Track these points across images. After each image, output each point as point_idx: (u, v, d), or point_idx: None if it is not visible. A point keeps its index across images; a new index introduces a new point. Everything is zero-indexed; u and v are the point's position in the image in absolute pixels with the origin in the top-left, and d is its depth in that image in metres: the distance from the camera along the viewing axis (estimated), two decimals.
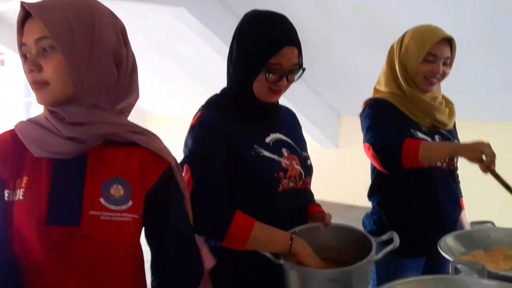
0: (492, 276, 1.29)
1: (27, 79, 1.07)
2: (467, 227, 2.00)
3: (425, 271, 1.95)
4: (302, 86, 5.66)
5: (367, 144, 1.80)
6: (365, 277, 1.41)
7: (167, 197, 1.16)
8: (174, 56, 6.64)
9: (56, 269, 1.06)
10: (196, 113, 1.52)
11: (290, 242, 1.39)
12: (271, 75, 1.42)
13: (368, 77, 4.82)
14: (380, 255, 1.41)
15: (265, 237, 1.41)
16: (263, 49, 1.41)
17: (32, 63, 1.03)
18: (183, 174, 1.41)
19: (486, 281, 1.26)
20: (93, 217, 1.05)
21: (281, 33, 1.44)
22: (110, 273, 1.11)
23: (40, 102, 1.09)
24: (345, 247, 1.51)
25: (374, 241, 1.46)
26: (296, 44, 1.45)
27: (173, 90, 7.74)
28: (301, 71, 1.48)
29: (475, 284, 1.26)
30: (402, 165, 1.72)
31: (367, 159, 1.87)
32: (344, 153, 6.20)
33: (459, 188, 2.07)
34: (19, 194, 1.05)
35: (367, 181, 2.04)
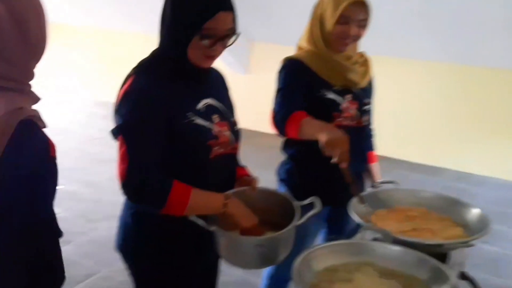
0: (396, 241, 1.50)
1: None
2: (378, 176, 2.21)
3: (329, 218, 2.17)
4: None
5: (271, 111, 1.94)
6: (290, 240, 1.53)
7: None
8: None
9: None
10: (128, 77, 1.49)
11: (223, 207, 1.46)
12: (205, 40, 1.42)
13: (282, 3, 4.91)
14: (303, 219, 1.53)
15: (202, 202, 1.46)
16: (198, 13, 1.40)
17: None
18: (118, 147, 1.43)
19: (392, 246, 1.45)
20: None
21: None
22: None
23: None
24: (271, 208, 1.61)
25: (296, 206, 1.58)
26: (231, 9, 1.45)
27: None
28: (235, 36, 1.48)
29: (381, 248, 1.45)
30: (287, 136, 1.90)
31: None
32: (255, 79, 6.27)
33: (370, 142, 2.25)
34: None
35: None
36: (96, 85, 7.76)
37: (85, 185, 4.58)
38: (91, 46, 7.72)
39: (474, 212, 1.71)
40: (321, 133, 1.69)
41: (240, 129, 1.67)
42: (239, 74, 6.40)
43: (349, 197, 2.10)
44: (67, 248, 3.41)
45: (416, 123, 5.36)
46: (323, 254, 1.43)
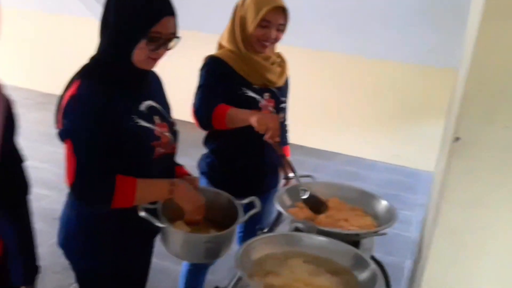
0: (320, 232, 1.68)
1: None
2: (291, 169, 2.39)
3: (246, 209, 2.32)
4: None
5: (192, 107, 2.01)
6: (233, 237, 1.67)
7: None
8: None
9: None
10: (71, 82, 1.52)
11: (170, 192, 1.55)
12: (151, 43, 1.48)
13: None
14: (245, 218, 1.68)
15: (148, 191, 1.54)
16: (144, 18, 1.45)
17: None
18: (66, 150, 1.46)
19: (318, 237, 1.63)
20: None
21: (161, 3, 1.49)
22: None
23: None
24: (212, 206, 1.71)
25: (238, 204, 1.72)
26: (174, 13, 1.51)
27: None
28: (176, 39, 1.55)
29: (309, 239, 1.62)
30: (213, 128, 1.99)
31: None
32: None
33: (285, 137, 2.41)
34: None
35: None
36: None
37: None
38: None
39: (383, 203, 1.94)
40: (251, 115, 1.83)
41: (178, 129, 1.74)
42: None
43: (266, 188, 2.28)
44: None
45: (311, 110, 5.67)
46: (259, 244, 1.56)
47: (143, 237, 1.74)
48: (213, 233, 1.63)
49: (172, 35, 1.53)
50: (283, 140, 2.40)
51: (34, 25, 6.88)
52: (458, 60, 4.25)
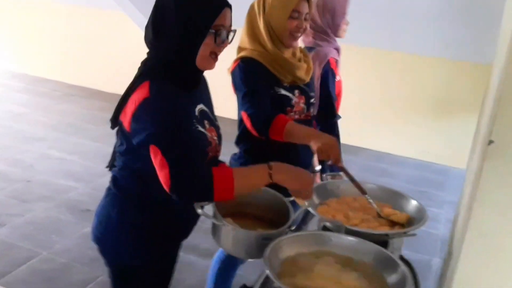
0: (348, 231, 1.68)
1: None
2: (317, 165, 2.40)
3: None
4: None
5: (245, 114, 1.99)
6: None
7: None
8: None
9: None
10: (140, 82, 1.48)
11: (270, 176, 1.50)
12: (217, 37, 1.48)
13: None
14: (296, 215, 1.70)
15: (247, 180, 1.51)
16: (208, 12, 1.46)
17: None
18: (152, 155, 1.43)
19: (347, 237, 1.62)
20: None
21: None
22: None
23: None
24: (258, 203, 1.74)
25: (287, 202, 1.74)
26: (230, 6, 1.52)
27: None
28: (233, 32, 1.55)
29: (338, 238, 1.62)
30: (270, 137, 1.98)
31: None
32: None
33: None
34: None
35: None
36: (11, 56, 7.43)
37: (14, 165, 4.43)
38: (3, 15, 7.34)
39: (413, 203, 1.92)
40: (312, 140, 1.86)
41: (221, 133, 1.73)
42: None
43: None
44: (2, 231, 3.35)
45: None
46: (288, 243, 1.57)
47: (180, 234, 1.77)
48: (271, 230, 1.62)
49: (231, 28, 1.54)
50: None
51: (64, 18, 6.99)
52: (492, 56, 4.20)
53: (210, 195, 1.42)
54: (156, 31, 1.50)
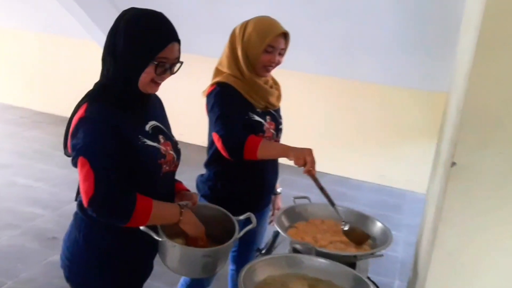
0: (318, 253, 1.72)
1: None
2: (279, 187, 2.45)
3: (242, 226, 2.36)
4: (112, 10, 5.55)
5: (217, 135, 2.03)
6: (229, 251, 1.73)
7: None
8: None
9: None
10: (78, 106, 1.56)
11: (180, 216, 1.62)
12: (158, 68, 1.55)
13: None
14: (241, 233, 1.72)
15: (161, 213, 1.59)
16: (152, 44, 1.53)
17: None
18: (79, 167, 1.48)
19: (319, 259, 1.67)
20: None
21: (168, 30, 1.57)
22: None
23: None
24: (210, 222, 1.75)
25: (235, 220, 1.76)
26: (179, 40, 1.59)
27: None
28: (179, 64, 1.63)
29: (310, 260, 1.66)
30: (243, 158, 2.01)
31: None
32: None
33: None
34: None
35: None
36: None
37: None
38: None
39: (378, 225, 1.99)
40: (288, 150, 1.94)
41: (180, 148, 1.79)
42: None
43: (262, 207, 2.33)
44: None
45: (299, 130, 5.74)
46: (261, 266, 1.60)
47: (146, 258, 1.77)
48: (211, 247, 1.66)
49: (176, 60, 1.61)
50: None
51: (31, 45, 6.89)
52: (445, 84, 4.40)
53: (126, 219, 1.49)
54: (104, 56, 1.59)
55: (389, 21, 4.39)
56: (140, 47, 1.53)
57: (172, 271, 1.69)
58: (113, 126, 1.52)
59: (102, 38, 6.22)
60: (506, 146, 1.25)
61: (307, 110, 5.70)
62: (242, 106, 2.12)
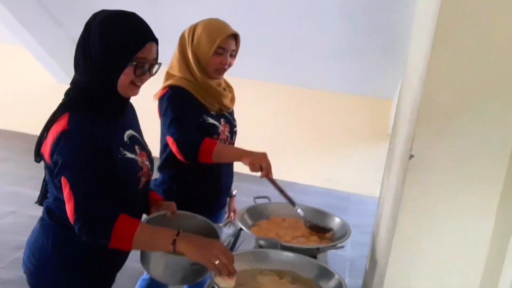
0: (283, 248, 1.80)
1: None
2: (234, 189, 2.50)
3: None
4: (43, 14, 5.42)
5: (171, 139, 2.02)
6: None
7: None
8: None
9: None
10: (60, 114, 1.51)
11: (174, 243, 1.45)
12: (137, 69, 1.52)
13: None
14: (226, 242, 1.76)
15: (149, 239, 1.48)
16: (131, 44, 1.50)
17: None
18: (63, 186, 1.45)
19: (284, 253, 1.75)
20: None
21: (145, 29, 1.55)
22: None
23: None
24: (191, 231, 1.67)
25: (217, 227, 1.77)
26: (156, 40, 1.58)
27: None
28: (158, 65, 1.60)
29: (276, 254, 1.74)
30: (198, 160, 2.01)
31: None
32: None
33: None
34: None
35: None
36: None
37: None
38: None
39: (336, 220, 2.11)
40: (243, 157, 1.95)
41: (153, 157, 1.77)
42: (66, 84, 6.24)
43: (218, 208, 2.36)
44: None
45: (247, 137, 5.82)
46: None
47: (117, 264, 1.75)
48: None
49: (155, 61, 1.58)
50: None
51: None
52: (391, 91, 4.60)
53: (106, 240, 1.44)
54: (77, 59, 1.55)
55: (336, 28, 4.52)
56: (117, 47, 1.48)
57: (156, 279, 1.66)
58: (97, 140, 1.49)
59: (32, 43, 6.04)
60: (457, 140, 1.38)
61: (255, 116, 5.80)
62: (195, 109, 2.12)
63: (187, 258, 1.48)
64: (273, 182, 2.01)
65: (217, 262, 1.42)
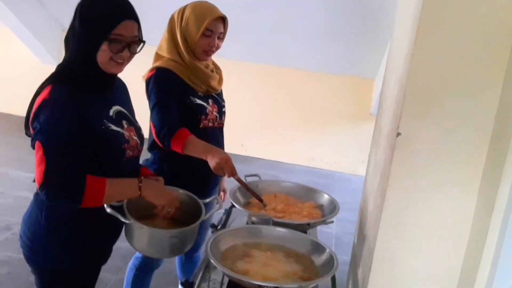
0: (275, 223, 1.87)
1: None
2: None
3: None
4: None
5: (152, 124, 2.09)
6: (196, 232, 1.79)
7: None
8: None
9: None
10: (44, 86, 1.57)
11: (139, 190, 1.64)
12: (113, 46, 1.58)
13: None
14: (208, 215, 1.81)
15: (118, 190, 1.62)
16: (105, 21, 1.56)
17: None
18: (36, 151, 1.51)
19: (277, 228, 1.82)
20: None
21: (122, 7, 1.60)
22: None
23: None
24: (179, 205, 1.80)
25: (201, 203, 1.84)
26: (136, 18, 1.62)
27: None
28: (141, 44, 1.65)
29: (269, 230, 1.81)
30: (171, 148, 2.07)
31: None
32: None
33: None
34: None
35: None
36: None
37: None
38: None
39: (325, 196, 2.18)
40: (208, 157, 1.99)
41: (143, 133, 1.84)
42: (50, 64, 6.21)
43: (210, 188, 2.41)
44: None
45: (232, 118, 5.86)
46: (225, 237, 1.72)
47: (108, 237, 1.82)
48: (178, 228, 1.72)
49: (135, 39, 1.63)
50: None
51: None
52: (373, 71, 4.65)
53: (78, 200, 1.52)
54: (66, 38, 1.63)
55: (317, 9, 4.59)
56: (92, 25, 1.56)
57: (140, 252, 1.75)
58: (76, 110, 1.55)
59: (15, 22, 6.04)
60: (442, 118, 1.45)
61: (240, 97, 5.83)
62: (181, 91, 2.16)
63: (166, 232, 1.68)
64: (240, 181, 2.08)
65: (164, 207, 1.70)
